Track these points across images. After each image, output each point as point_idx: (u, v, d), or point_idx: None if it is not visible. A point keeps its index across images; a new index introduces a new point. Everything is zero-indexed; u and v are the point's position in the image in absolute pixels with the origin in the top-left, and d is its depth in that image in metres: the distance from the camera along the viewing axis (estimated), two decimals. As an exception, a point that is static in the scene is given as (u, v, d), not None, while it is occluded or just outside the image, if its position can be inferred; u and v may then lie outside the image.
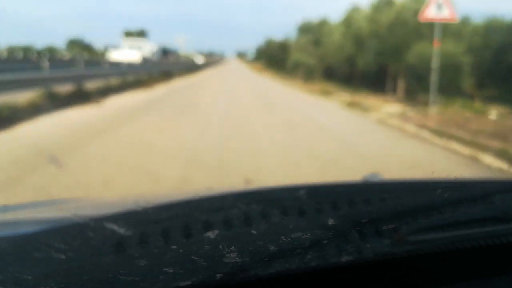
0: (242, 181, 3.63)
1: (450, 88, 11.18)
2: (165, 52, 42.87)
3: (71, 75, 10.42)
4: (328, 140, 6.20)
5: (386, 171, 3.14)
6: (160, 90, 14.05)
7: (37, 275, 0.48)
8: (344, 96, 13.51)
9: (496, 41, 13.48)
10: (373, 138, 6.84)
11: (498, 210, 0.63)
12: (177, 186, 3.51)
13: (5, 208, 0.99)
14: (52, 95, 8.50)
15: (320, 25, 24.33)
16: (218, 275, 0.49)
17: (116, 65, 16.35)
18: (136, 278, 0.48)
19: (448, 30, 10.57)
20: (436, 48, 8.26)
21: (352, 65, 17.34)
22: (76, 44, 43.49)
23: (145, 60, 24.47)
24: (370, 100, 12.19)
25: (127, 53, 26.03)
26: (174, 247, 0.52)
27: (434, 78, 8.35)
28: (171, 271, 0.49)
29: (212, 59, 66.23)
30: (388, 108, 10.31)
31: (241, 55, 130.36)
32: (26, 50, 30.74)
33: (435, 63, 8.24)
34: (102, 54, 33.20)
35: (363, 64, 15.89)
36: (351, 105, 11.04)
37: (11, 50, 30.06)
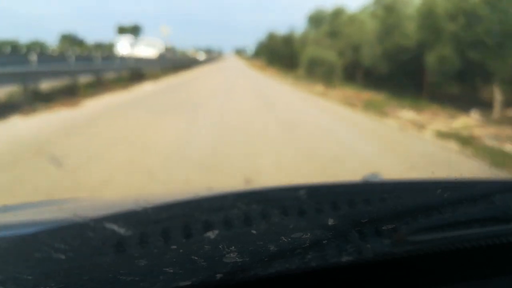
0: (242, 181, 3.63)
1: None
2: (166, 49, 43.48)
3: (90, 69, 12.32)
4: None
5: None
6: (174, 80, 17.33)
7: (37, 275, 0.48)
8: (424, 118, 7.88)
9: None
10: None
11: (498, 210, 0.63)
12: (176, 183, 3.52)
13: (5, 208, 1.00)
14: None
15: (336, 14, 20.38)
16: (218, 275, 0.49)
17: (131, 60, 18.10)
18: (136, 278, 0.48)
19: None
20: None
21: (406, 62, 11.95)
22: (69, 39, 43.19)
23: (161, 56, 28.40)
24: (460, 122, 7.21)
25: (145, 50, 30.59)
26: (174, 247, 0.52)
27: None
28: (171, 271, 0.49)
29: (210, 56, 66.26)
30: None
31: (239, 52, 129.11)
32: (14, 45, 30.32)
33: None
34: (109, 48, 34.80)
35: (435, 61, 10.35)
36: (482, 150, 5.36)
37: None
